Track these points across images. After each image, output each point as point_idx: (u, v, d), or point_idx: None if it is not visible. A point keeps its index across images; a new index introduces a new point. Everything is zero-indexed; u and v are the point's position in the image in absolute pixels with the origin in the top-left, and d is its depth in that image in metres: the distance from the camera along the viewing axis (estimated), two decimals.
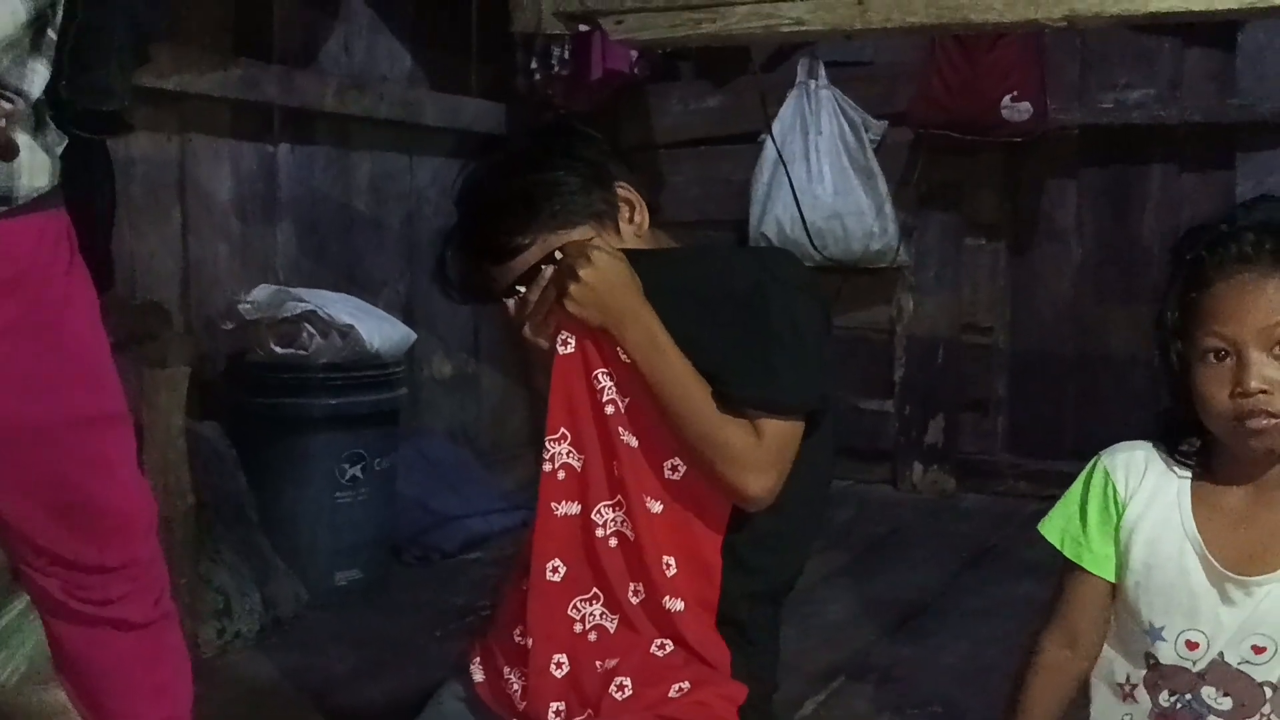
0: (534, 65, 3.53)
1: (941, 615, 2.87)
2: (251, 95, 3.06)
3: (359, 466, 2.92)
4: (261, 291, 2.94)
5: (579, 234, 1.47)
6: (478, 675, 1.52)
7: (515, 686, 1.44)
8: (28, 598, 2.23)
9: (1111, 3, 1.68)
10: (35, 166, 1.39)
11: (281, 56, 3.18)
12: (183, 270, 2.98)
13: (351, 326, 2.88)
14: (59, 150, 1.45)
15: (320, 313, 2.85)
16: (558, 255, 1.44)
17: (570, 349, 1.42)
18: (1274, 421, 1.21)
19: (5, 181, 1.35)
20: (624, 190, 1.53)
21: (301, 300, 2.88)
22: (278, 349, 2.85)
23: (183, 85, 2.84)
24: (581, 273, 1.39)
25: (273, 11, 3.17)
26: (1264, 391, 1.20)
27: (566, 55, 3.53)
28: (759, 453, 1.37)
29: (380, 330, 2.95)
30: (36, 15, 1.33)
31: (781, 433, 1.39)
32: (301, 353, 2.84)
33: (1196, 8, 1.67)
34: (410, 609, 2.87)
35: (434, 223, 3.73)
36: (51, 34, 1.39)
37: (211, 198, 3.05)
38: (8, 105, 1.29)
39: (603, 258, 1.40)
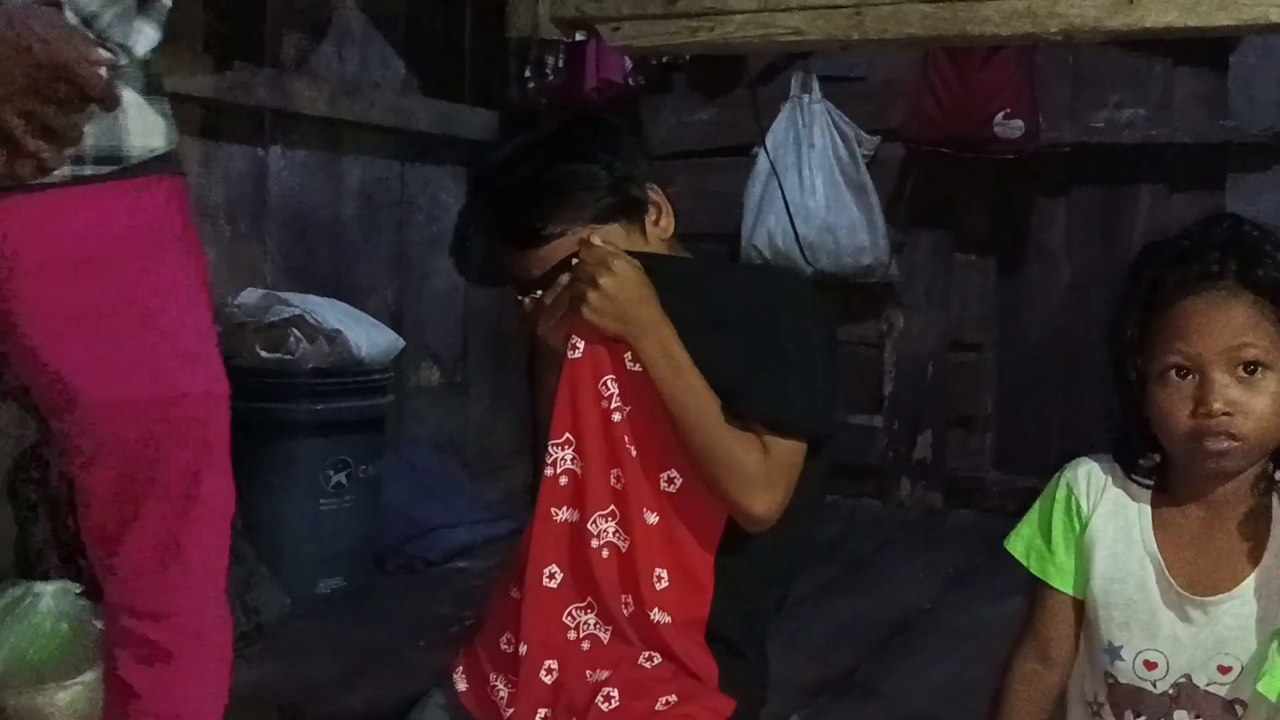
0: (528, 74, 3.52)
1: (928, 632, 2.85)
2: (243, 99, 3.04)
3: (344, 474, 2.90)
4: (249, 295, 2.92)
5: (609, 230, 1.45)
6: (461, 684, 1.50)
7: (502, 693, 1.42)
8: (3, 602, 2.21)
9: (1107, 16, 1.68)
10: (147, 127, 1.34)
11: (274, 61, 3.17)
12: None
13: (339, 332, 2.86)
14: (170, 115, 1.40)
15: (308, 318, 2.84)
16: (574, 261, 1.42)
17: (579, 354, 1.41)
18: (1234, 444, 1.20)
19: (111, 140, 1.31)
20: (654, 193, 1.52)
21: (289, 305, 2.86)
22: (264, 353, 2.82)
23: (174, 87, 2.79)
24: (602, 281, 1.37)
25: (266, 16, 3.16)
26: (1226, 414, 1.19)
27: (560, 64, 3.53)
28: (767, 472, 1.37)
29: (368, 336, 2.93)
30: None
31: (789, 453, 1.38)
32: (288, 358, 2.81)
33: (1193, 23, 1.67)
34: (393, 618, 2.85)
35: (425, 230, 3.71)
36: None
37: (201, 201, 3.03)
38: (107, 54, 1.24)
39: (623, 267, 1.38)
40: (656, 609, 1.39)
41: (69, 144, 1.23)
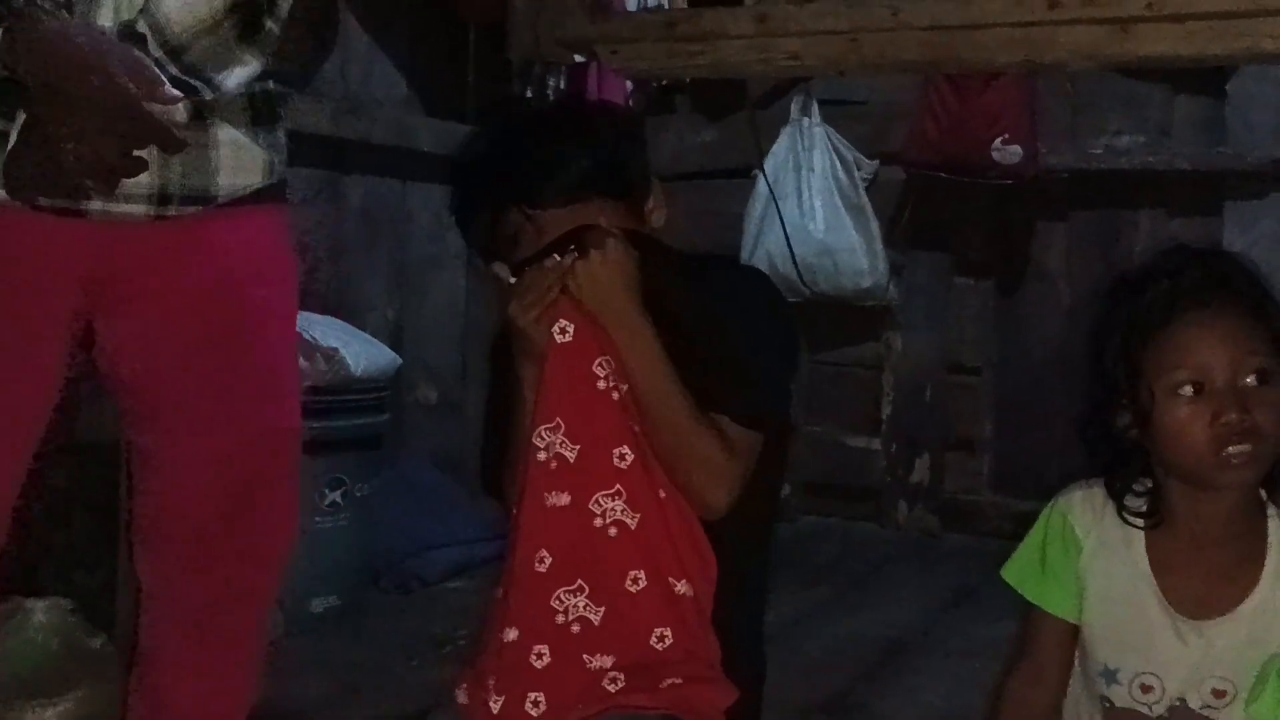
0: (530, 94, 3.54)
1: (924, 655, 2.85)
2: None
3: (339, 492, 2.89)
4: None
5: (613, 206, 1.45)
6: (463, 698, 1.50)
7: (490, 681, 1.41)
8: None
9: (1104, 45, 1.69)
10: (243, 164, 1.33)
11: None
12: None
13: (336, 350, 2.86)
14: (282, 145, 1.39)
15: (305, 335, 2.83)
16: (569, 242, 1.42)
17: (569, 338, 1.41)
18: (1255, 448, 1.20)
19: (200, 179, 1.30)
20: (656, 182, 1.54)
21: None
22: None
23: None
24: (596, 263, 1.38)
25: None
26: (1246, 416, 1.19)
27: (562, 85, 3.54)
28: (731, 465, 1.40)
29: (365, 354, 2.94)
30: (238, 2, 1.27)
31: (749, 445, 1.41)
32: None
33: (1186, 53, 1.68)
34: (388, 637, 2.84)
35: (425, 248, 3.72)
36: (272, 26, 1.32)
37: None
38: (175, 93, 1.20)
39: (619, 253, 1.40)
40: (675, 579, 1.40)
41: (126, 176, 1.20)
